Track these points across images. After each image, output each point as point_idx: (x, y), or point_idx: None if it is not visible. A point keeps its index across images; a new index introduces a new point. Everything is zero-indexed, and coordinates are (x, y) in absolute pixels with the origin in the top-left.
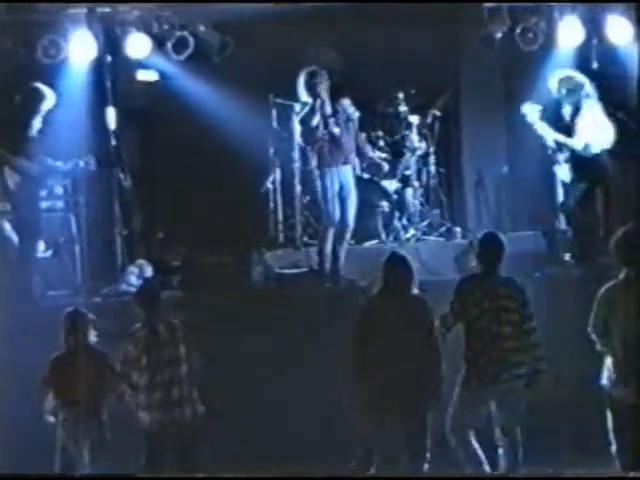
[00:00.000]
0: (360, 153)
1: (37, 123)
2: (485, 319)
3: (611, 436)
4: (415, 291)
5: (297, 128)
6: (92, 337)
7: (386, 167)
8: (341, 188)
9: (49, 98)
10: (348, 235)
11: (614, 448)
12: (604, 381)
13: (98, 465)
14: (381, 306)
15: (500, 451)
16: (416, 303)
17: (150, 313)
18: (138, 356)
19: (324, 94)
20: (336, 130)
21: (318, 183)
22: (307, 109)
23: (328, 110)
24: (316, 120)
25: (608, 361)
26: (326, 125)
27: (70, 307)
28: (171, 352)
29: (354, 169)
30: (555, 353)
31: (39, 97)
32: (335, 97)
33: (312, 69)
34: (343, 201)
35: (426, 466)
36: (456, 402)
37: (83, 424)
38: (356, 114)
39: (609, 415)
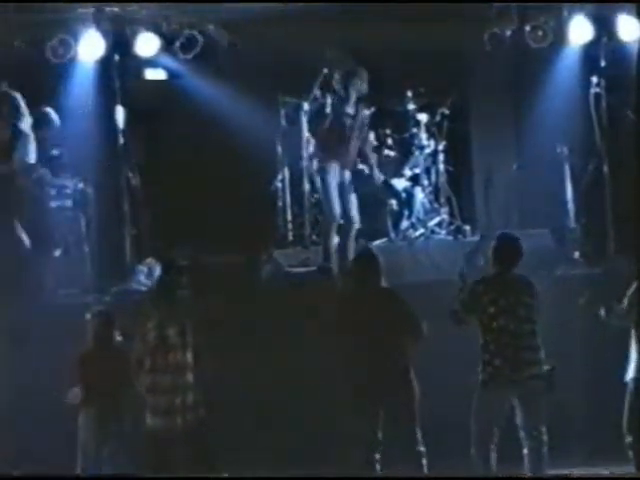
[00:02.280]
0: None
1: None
2: (503, 317)
3: (628, 434)
4: (384, 284)
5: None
6: (117, 337)
7: (380, 178)
8: (341, 185)
9: (56, 123)
10: (353, 231)
11: (631, 448)
12: (632, 375)
13: (117, 464)
14: (352, 301)
15: (525, 451)
16: (386, 295)
17: (162, 312)
18: (143, 358)
19: (352, 93)
20: (347, 129)
21: (318, 178)
22: (322, 101)
23: (348, 110)
24: (327, 111)
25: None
26: (340, 122)
27: (99, 307)
28: (178, 357)
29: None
30: (565, 352)
31: (48, 123)
32: (360, 104)
33: (355, 69)
34: (344, 197)
35: (424, 461)
36: (475, 406)
37: (104, 423)
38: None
39: (632, 411)
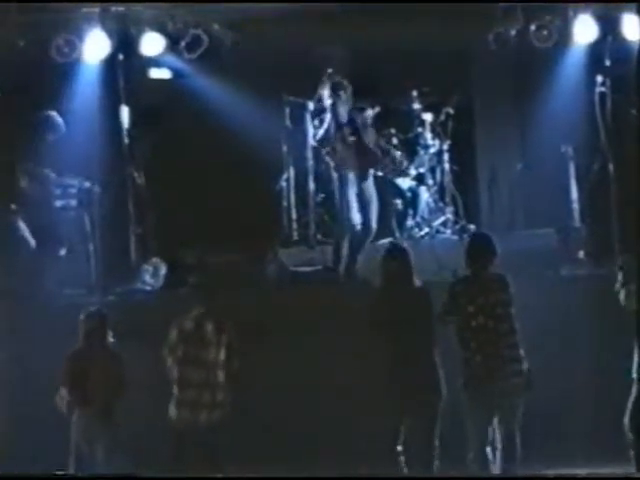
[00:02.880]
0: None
1: (48, 144)
2: (482, 316)
3: (630, 432)
4: (417, 283)
5: (310, 130)
6: (109, 338)
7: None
8: (362, 193)
9: (60, 128)
10: (370, 238)
11: (632, 447)
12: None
13: (112, 464)
14: (384, 300)
15: (498, 452)
16: (418, 294)
17: (203, 306)
18: (175, 347)
19: (342, 106)
20: (351, 138)
21: (337, 187)
22: (320, 113)
23: (344, 118)
24: (326, 125)
25: None
26: (341, 132)
27: (91, 307)
28: (211, 354)
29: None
30: (569, 350)
31: (52, 127)
32: (357, 105)
33: (336, 80)
34: (365, 206)
35: (436, 463)
36: (465, 408)
37: (96, 423)
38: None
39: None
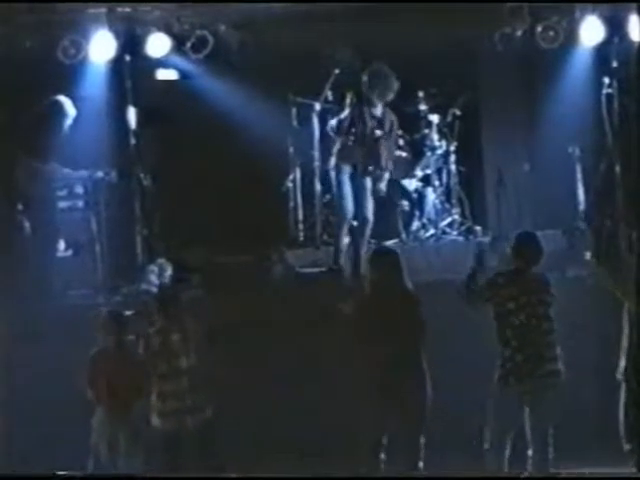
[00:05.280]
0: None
1: (57, 134)
2: (523, 314)
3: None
4: (409, 285)
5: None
6: (129, 337)
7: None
8: (358, 184)
9: (71, 112)
10: (368, 232)
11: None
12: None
13: (131, 464)
14: (370, 304)
15: (529, 452)
16: (406, 298)
17: (165, 317)
18: (147, 363)
19: (376, 96)
20: (378, 133)
21: (334, 176)
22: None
23: (375, 112)
24: (345, 114)
25: None
26: (363, 124)
27: (106, 307)
28: (182, 363)
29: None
30: (575, 351)
31: (62, 112)
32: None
33: (378, 68)
34: (359, 197)
35: (421, 464)
36: (492, 402)
37: (117, 423)
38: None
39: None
